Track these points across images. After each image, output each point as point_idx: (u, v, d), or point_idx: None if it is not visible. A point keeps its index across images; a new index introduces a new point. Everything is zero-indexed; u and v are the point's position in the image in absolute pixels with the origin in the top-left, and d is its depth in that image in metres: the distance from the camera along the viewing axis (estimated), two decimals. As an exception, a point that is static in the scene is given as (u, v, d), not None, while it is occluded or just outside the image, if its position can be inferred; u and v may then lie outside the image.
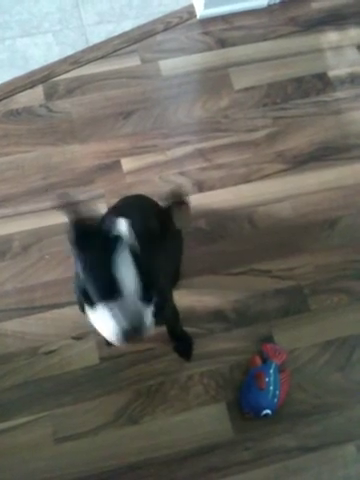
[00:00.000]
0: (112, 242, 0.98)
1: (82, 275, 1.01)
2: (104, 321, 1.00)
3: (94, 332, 1.52)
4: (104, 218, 1.11)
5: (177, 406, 1.49)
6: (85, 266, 1.01)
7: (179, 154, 1.86)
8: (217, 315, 1.62)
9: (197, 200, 1.77)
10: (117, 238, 0.99)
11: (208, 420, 1.49)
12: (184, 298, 1.62)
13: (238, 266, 1.69)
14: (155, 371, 1.53)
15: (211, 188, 1.81)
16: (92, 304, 1.01)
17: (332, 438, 1.48)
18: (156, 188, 1.78)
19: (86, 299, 1.02)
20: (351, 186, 1.85)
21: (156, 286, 1.01)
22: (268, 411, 1.43)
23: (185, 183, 1.80)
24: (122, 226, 1.01)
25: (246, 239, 1.74)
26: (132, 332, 0.99)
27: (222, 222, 1.76)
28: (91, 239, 1.00)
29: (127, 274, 0.96)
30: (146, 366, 1.53)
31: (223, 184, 1.82)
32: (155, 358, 1.55)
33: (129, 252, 0.97)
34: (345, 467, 1.46)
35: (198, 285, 1.66)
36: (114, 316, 0.97)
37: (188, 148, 1.87)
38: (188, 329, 1.57)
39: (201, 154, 1.87)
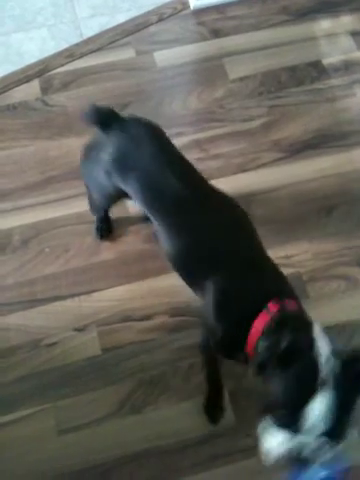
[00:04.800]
0: (316, 365, 0.93)
1: (276, 389, 0.96)
2: (277, 437, 0.95)
3: (95, 323, 1.57)
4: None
5: (179, 395, 1.50)
6: (284, 383, 0.95)
7: (176, 145, 1.86)
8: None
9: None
10: (319, 362, 0.93)
11: (211, 408, 1.50)
12: (183, 290, 1.62)
13: (237, 255, 1.69)
14: (157, 361, 1.54)
15: (208, 178, 1.80)
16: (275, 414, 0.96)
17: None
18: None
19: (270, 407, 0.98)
20: (347, 173, 1.85)
21: (346, 429, 0.95)
22: None
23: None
24: (324, 349, 0.96)
25: (244, 228, 1.75)
26: (299, 461, 0.95)
27: (220, 212, 1.76)
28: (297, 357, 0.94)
29: (322, 411, 0.90)
30: (147, 356, 1.55)
31: (220, 174, 1.82)
32: (156, 348, 1.56)
33: (333, 387, 0.91)
34: (348, 452, 1.47)
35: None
36: (291, 443, 0.93)
37: (184, 139, 1.87)
38: (190, 319, 1.58)
39: (197, 145, 1.87)
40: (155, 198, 1.27)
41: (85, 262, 1.66)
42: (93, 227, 1.68)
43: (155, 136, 1.35)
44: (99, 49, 2.04)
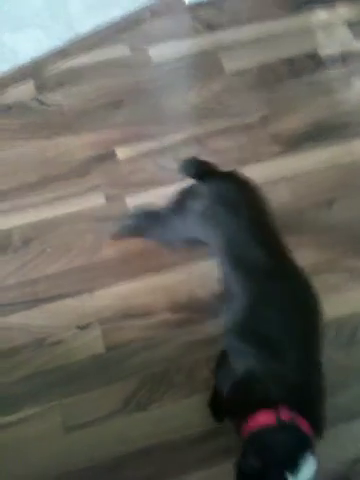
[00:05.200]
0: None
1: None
2: None
3: (98, 321, 1.57)
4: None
5: (183, 391, 1.50)
6: None
7: (174, 141, 1.85)
8: (219, 298, 1.62)
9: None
10: None
11: (216, 403, 1.50)
12: (185, 286, 1.63)
13: (238, 250, 1.69)
14: (160, 358, 1.53)
15: (207, 174, 1.81)
16: None
17: (339, 416, 1.49)
18: (153, 176, 1.79)
19: None
20: (347, 165, 1.85)
21: None
22: None
23: (181, 169, 1.80)
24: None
25: (245, 223, 1.74)
26: None
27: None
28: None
29: None
30: (151, 353, 1.54)
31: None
32: (160, 345, 1.55)
33: None
34: (355, 444, 1.47)
35: (199, 271, 1.66)
36: None
37: (183, 134, 1.86)
38: (192, 315, 1.58)
39: (196, 140, 1.86)
40: (236, 257, 1.25)
41: (87, 261, 1.66)
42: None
43: (250, 196, 1.36)
44: (93, 47, 2.03)
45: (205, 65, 2.00)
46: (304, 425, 1.08)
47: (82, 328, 1.56)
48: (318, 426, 1.11)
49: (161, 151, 1.83)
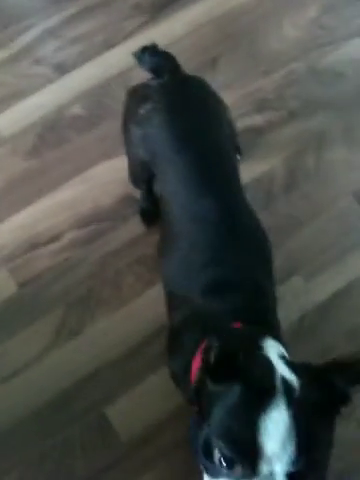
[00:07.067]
0: (265, 385, 0.69)
1: (210, 421, 0.71)
2: None
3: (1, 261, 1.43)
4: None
5: (114, 304, 1.41)
6: (219, 411, 0.70)
7: (26, 41, 1.64)
8: (126, 200, 1.50)
9: (63, 85, 1.58)
10: (271, 381, 0.69)
11: (150, 306, 1.41)
12: (86, 197, 1.50)
13: (131, 141, 1.54)
14: (80, 278, 1.42)
15: (74, 67, 1.62)
16: (211, 462, 0.70)
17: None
18: (14, 88, 1.58)
19: (206, 455, 0.71)
20: (221, 16, 1.68)
21: (321, 468, 0.69)
22: None
23: (43, 71, 1.59)
24: (281, 368, 0.71)
25: (130, 110, 1.58)
26: None
27: (98, 101, 1.58)
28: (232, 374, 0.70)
29: (278, 444, 0.66)
30: (69, 277, 1.43)
31: (86, 58, 1.63)
32: (76, 266, 1.44)
33: (288, 409, 0.68)
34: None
35: (96, 176, 1.53)
36: None
37: (34, 31, 1.65)
38: (100, 225, 1.46)
39: (51, 33, 1.66)
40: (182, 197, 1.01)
41: (-30, 201, 1.49)
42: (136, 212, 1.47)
43: (212, 113, 1.08)
44: None
45: None
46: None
47: (-16, 275, 1.42)
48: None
49: (15, 58, 1.61)
